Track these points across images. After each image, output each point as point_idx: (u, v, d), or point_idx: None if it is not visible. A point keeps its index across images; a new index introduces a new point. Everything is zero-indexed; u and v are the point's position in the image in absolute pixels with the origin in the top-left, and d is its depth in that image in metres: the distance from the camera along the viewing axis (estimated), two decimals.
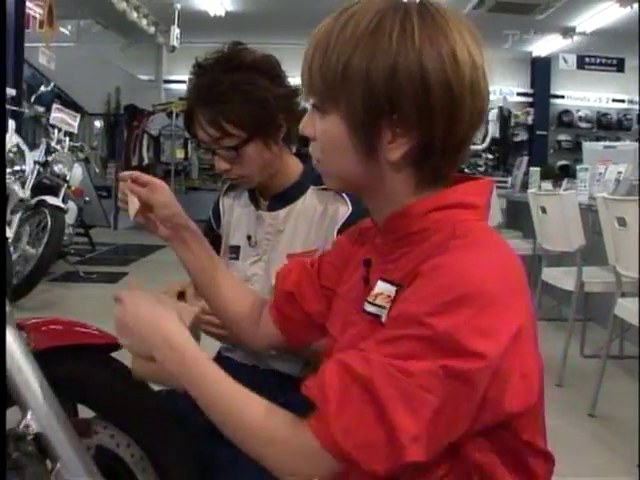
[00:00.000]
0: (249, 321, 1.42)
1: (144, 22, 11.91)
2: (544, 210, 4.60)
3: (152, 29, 12.38)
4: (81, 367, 1.46)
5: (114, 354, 1.46)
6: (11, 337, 1.27)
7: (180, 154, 11.96)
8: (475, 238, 1.02)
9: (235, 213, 1.91)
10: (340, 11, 1.07)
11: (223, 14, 11.34)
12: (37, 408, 1.28)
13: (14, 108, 6.37)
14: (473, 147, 11.66)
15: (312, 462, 0.99)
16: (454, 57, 1.02)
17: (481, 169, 11.67)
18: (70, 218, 6.11)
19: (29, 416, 1.27)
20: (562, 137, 14.12)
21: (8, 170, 5.23)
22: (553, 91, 14.26)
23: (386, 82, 1.01)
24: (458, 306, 0.93)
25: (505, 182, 9.23)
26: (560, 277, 4.43)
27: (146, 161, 12.16)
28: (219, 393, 1.07)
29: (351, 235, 1.32)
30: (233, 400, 1.06)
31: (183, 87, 12.37)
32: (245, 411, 1.04)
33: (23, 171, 5.57)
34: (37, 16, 9.93)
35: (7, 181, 5.13)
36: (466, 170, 10.59)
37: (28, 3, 9.10)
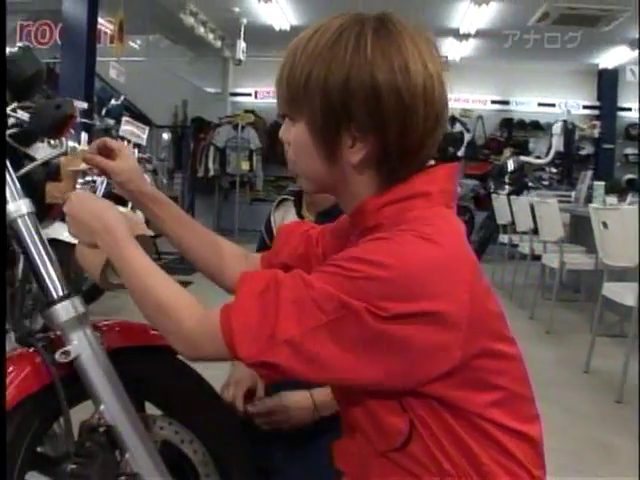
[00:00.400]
0: (226, 271, 1.48)
1: (211, 36, 12.08)
2: (605, 225, 4.57)
3: (219, 43, 12.54)
4: (150, 367, 1.53)
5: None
6: (86, 337, 1.36)
7: (245, 166, 12.09)
8: (412, 227, 1.09)
9: None
10: (310, 27, 1.18)
11: (288, 28, 11.44)
12: (109, 402, 1.35)
13: (85, 120, 6.55)
14: (537, 161, 11.57)
15: (210, 335, 1.11)
16: (406, 68, 1.10)
17: (545, 183, 11.59)
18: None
19: (101, 409, 1.35)
20: (629, 151, 13.83)
21: (80, 180, 5.39)
22: (620, 104, 14.00)
23: (341, 92, 1.11)
24: (376, 268, 1.03)
25: (569, 196, 9.15)
26: (621, 292, 4.39)
27: (212, 172, 12.30)
28: (141, 272, 1.23)
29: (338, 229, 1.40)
30: (151, 277, 1.22)
31: (249, 100, 12.54)
32: (159, 288, 1.20)
33: (94, 181, 5.73)
34: (108, 32, 10.20)
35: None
36: (530, 184, 10.49)
37: (100, 19, 9.33)
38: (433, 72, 1.13)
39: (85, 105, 6.45)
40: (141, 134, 6.72)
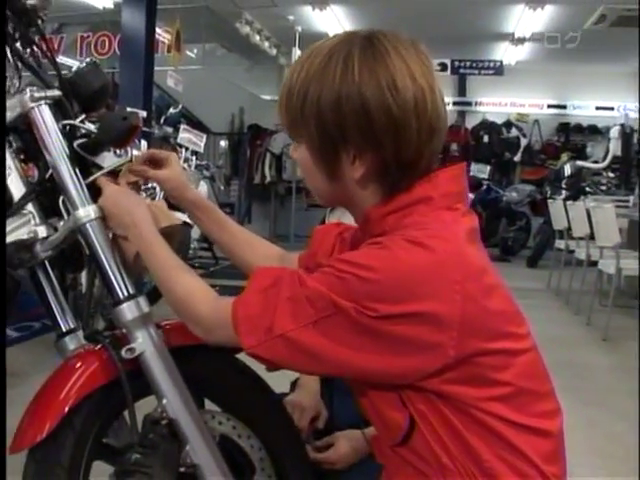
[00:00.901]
0: None
1: (266, 44, 12.20)
2: None
3: (274, 51, 12.65)
4: (209, 365, 1.58)
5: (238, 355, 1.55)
6: (150, 335, 1.43)
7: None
8: (404, 232, 1.14)
9: None
10: (303, 53, 1.23)
11: None
12: (171, 397, 1.42)
13: (144, 129, 6.66)
14: (594, 166, 11.41)
15: (222, 322, 1.21)
16: (394, 85, 1.13)
17: (603, 188, 11.42)
18: (195, 233, 6.34)
19: (164, 403, 1.42)
20: None
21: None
22: None
23: (333, 114, 1.16)
24: (365, 270, 1.09)
25: (627, 201, 9.01)
26: None
27: (268, 179, 12.35)
28: (163, 265, 1.36)
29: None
30: (171, 270, 1.35)
31: None
32: (178, 279, 1.34)
33: (154, 188, 5.85)
34: (165, 41, 10.37)
35: None
36: (588, 189, 10.37)
37: (157, 29, 9.49)
38: (423, 84, 1.16)
39: (144, 114, 6.56)
40: (198, 141, 6.83)
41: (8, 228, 1.44)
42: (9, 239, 1.44)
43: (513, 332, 1.18)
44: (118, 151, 1.49)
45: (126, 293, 1.43)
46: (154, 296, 1.56)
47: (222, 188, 10.26)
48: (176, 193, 1.58)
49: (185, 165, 6.50)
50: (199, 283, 1.34)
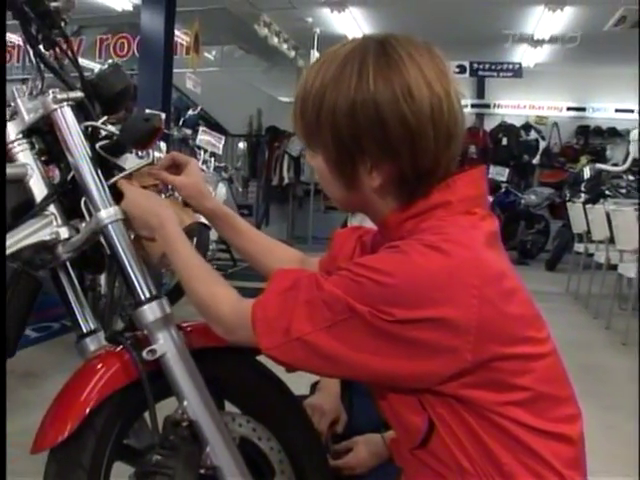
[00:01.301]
0: None
1: (284, 46, 12.20)
2: None
3: (292, 53, 12.65)
4: (230, 367, 1.59)
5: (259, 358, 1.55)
6: (171, 336, 1.43)
7: None
8: (421, 236, 1.13)
9: None
10: (317, 60, 1.22)
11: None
12: (192, 399, 1.42)
13: (164, 131, 6.68)
14: (614, 169, 11.33)
15: (242, 323, 1.21)
16: (410, 93, 1.12)
17: (623, 191, 11.35)
18: (214, 235, 6.35)
19: (185, 405, 1.41)
20: None
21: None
22: None
23: (349, 126, 1.14)
24: (381, 275, 1.08)
25: None
26: None
27: (286, 181, 12.34)
28: (188, 264, 1.38)
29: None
30: (195, 269, 1.37)
31: None
32: (202, 279, 1.36)
33: (173, 190, 5.85)
34: (184, 43, 10.40)
35: None
36: (607, 192, 10.30)
37: (176, 31, 9.52)
38: (439, 91, 1.14)
39: (163, 115, 6.58)
40: (217, 143, 6.84)
41: (30, 229, 1.44)
42: (31, 240, 1.44)
43: (532, 336, 1.17)
44: (140, 153, 1.49)
45: (148, 294, 1.43)
46: (173, 297, 1.57)
47: (240, 190, 10.25)
48: (194, 202, 1.58)
49: (204, 167, 6.52)
50: (222, 284, 1.35)
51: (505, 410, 1.14)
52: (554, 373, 1.21)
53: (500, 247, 1.22)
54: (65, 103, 1.45)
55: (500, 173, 11.86)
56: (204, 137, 6.76)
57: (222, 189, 6.85)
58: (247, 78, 12.96)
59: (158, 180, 1.56)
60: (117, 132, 1.46)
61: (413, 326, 1.07)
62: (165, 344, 1.42)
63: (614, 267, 6.66)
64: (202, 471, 1.44)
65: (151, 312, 1.42)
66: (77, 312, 1.58)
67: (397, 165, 1.16)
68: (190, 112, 8.46)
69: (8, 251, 1.40)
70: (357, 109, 1.14)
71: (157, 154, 1.53)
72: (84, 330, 1.57)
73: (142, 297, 1.43)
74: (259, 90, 13.41)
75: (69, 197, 1.49)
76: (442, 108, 1.15)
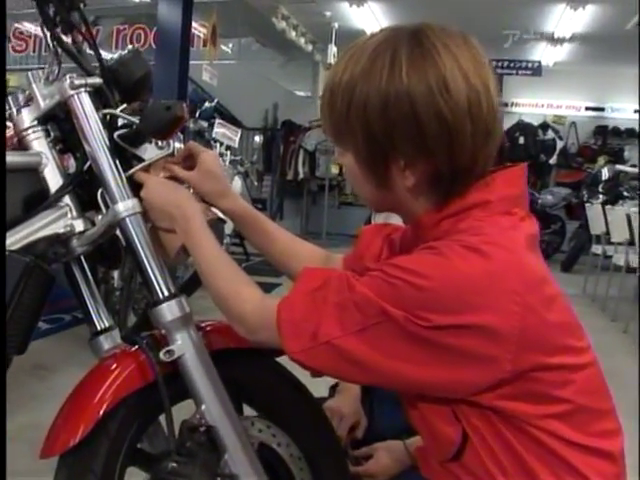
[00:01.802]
0: None
1: (302, 40, 12.17)
2: None
3: (310, 47, 12.63)
4: (249, 369, 1.53)
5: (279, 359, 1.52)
6: (190, 337, 1.37)
7: (335, 169, 12.00)
8: (460, 237, 1.07)
9: None
10: (345, 51, 1.15)
11: None
12: (210, 403, 1.36)
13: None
14: (633, 170, 11.24)
15: (266, 322, 1.16)
16: (446, 87, 1.05)
17: None
18: (228, 228, 6.30)
19: (202, 409, 1.36)
20: None
21: None
22: None
23: (381, 123, 1.08)
24: (418, 278, 1.02)
25: None
26: None
27: (301, 175, 12.29)
28: (211, 260, 1.31)
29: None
30: (219, 265, 1.31)
31: None
32: (225, 275, 1.29)
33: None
34: (201, 35, 10.38)
35: None
36: (625, 194, 10.20)
37: (193, 23, 9.49)
38: (477, 84, 1.08)
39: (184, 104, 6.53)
40: (233, 136, 6.79)
41: (44, 221, 1.39)
42: (45, 233, 1.39)
43: (573, 345, 1.12)
44: (160, 143, 1.43)
45: (167, 292, 1.37)
46: (187, 290, 1.51)
47: (255, 184, 10.19)
48: (210, 200, 1.50)
49: (220, 160, 6.43)
50: (247, 282, 1.29)
51: (544, 423, 1.08)
52: (595, 385, 1.16)
53: (539, 250, 1.16)
54: (83, 89, 1.40)
55: None
56: (220, 130, 6.70)
57: (238, 183, 6.76)
58: (264, 72, 12.92)
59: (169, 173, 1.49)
60: (136, 121, 1.40)
61: (450, 333, 1.02)
62: (183, 345, 1.36)
63: (633, 270, 6.59)
64: (219, 479, 1.39)
65: (169, 311, 1.36)
66: (91, 308, 1.52)
67: (432, 163, 1.10)
68: (206, 104, 8.40)
69: (20, 244, 1.35)
70: (389, 104, 1.07)
71: (177, 145, 1.46)
72: (98, 327, 1.51)
73: (160, 295, 1.37)
74: (275, 84, 13.38)
75: (85, 188, 1.44)
76: (480, 102, 1.08)
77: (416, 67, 1.07)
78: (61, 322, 4.60)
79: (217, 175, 1.49)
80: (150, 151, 1.43)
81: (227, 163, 6.53)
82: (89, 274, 1.52)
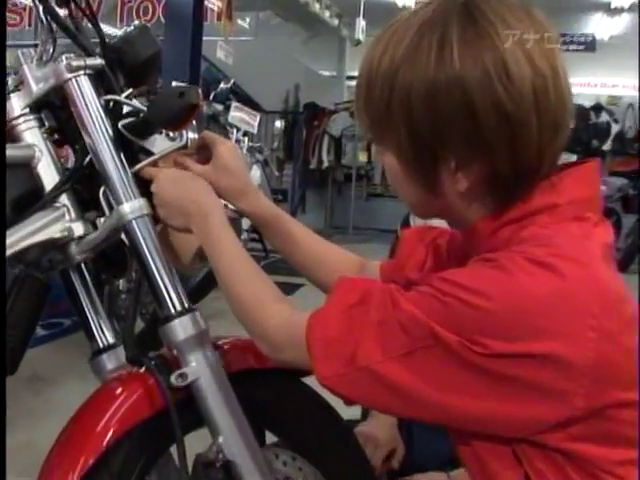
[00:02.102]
0: None
1: (327, 14, 12.18)
2: None
3: (335, 21, 12.64)
4: (273, 392, 1.50)
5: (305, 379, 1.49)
6: (206, 358, 1.32)
7: (363, 157, 11.99)
8: (524, 249, 1.00)
9: None
10: (384, 30, 1.08)
11: (412, 4, 11.39)
12: (229, 434, 1.32)
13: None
14: None
15: (294, 340, 1.11)
16: (506, 72, 0.99)
17: None
18: (245, 223, 6.27)
19: (220, 442, 1.32)
20: None
21: None
22: None
23: (427, 113, 1.02)
24: (477, 297, 0.96)
25: None
26: None
27: (326, 164, 12.29)
28: (232, 264, 1.27)
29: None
30: (242, 271, 1.26)
31: None
32: (249, 283, 1.24)
33: None
34: (215, 8, 10.37)
35: None
36: None
37: None
38: (544, 68, 1.01)
39: (199, 89, 6.47)
40: (252, 121, 6.75)
41: (38, 224, 1.35)
42: (38, 238, 1.34)
43: None
44: (171, 134, 1.38)
45: (179, 306, 1.32)
46: (197, 295, 1.47)
47: (276, 174, 10.14)
48: (229, 199, 1.45)
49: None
50: (274, 291, 1.24)
51: (623, 471, 1.02)
52: None
53: (614, 261, 1.09)
54: (82, 72, 1.35)
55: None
56: (237, 114, 6.64)
57: (256, 172, 6.71)
58: (284, 49, 12.94)
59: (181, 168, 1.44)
60: (144, 108, 1.35)
61: (512, 362, 0.96)
62: (198, 367, 1.31)
63: None
64: None
65: (182, 329, 1.31)
66: (92, 323, 1.47)
67: (490, 163, 1.03)
68: (222, 85, 8.34)
69: (9, 252, 1.31)
70: (438, 93, 1.01)
71: (192, 135, 1.41)
72: (100, 345, 1.47)
73: (172, 310, 1.32)
74: (297, 62, 13.38)
75: (85, 185, 1.40)
76: (548, 91, 1.01)
77: (470, 49, 1.00)
78: (60, 327, 4.59)
79: (236, 170, 1.44)
80: (160, 143, 1.39)
81: (244, 151, 6.49)
82: (90, 283, 1.48)
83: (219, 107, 7.11)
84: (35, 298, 1.36)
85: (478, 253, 1.07)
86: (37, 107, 1.39)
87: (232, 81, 8.51)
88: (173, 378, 1.29)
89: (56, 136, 1.43)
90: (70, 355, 4.16)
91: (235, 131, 6.55)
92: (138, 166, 1.36)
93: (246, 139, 6.62)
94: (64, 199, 1.37)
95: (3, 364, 1.33)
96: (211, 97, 7.74)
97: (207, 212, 1.31)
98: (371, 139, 1.15)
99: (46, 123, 1.40)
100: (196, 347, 1.31)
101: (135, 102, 1.38)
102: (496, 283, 0.97)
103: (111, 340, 1.48)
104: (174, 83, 6.05)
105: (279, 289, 1.25)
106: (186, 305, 1.33)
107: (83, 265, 1.46)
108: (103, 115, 1.36)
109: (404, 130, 1.05)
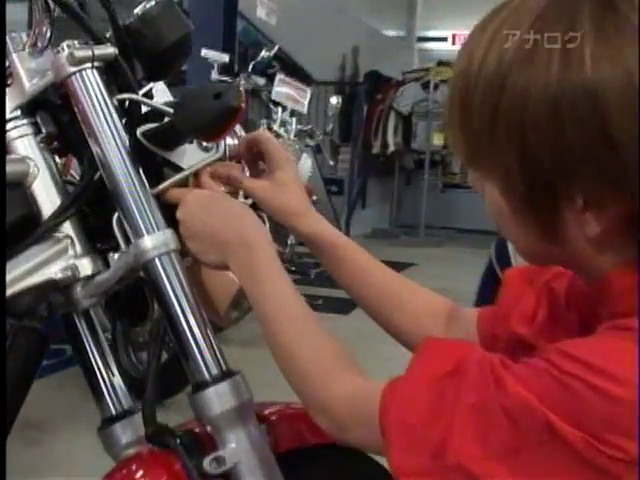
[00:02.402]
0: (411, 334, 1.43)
1: None
2: None
3: None
4: (333, 472, 1.50)
5: None
6: (249, 437, 1.29)
7: (438, 139, 11.95)
8: None
9: None
10: (488, 16, 1.04)
11: None
12: None
13: (225, 78, 6.50)
14: None
15: (365, 418, 1.08)
16: None
17: None
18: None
19: None
20: None
21: None
22: None
23: (547, 136, 0.95)
24: (609, 382, 0.91)
25: None
26: None
27: (392, 148, 12.32)
28: (284, 314, 1.23)
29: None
30: (298, 324, 1.23)
31: (444, 47, 12.73)
32: (307, 342, 1.21)
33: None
34: None
35: None
36: None
37: None
38: None
39: (225, 58, 6.46)
40: (301, 98, 6.74)
41: (33, 262, 1.33)
42: (34, 280, 1.32)
43: None
44: (204, 143, 1.36)
45: (215, 370, 1.29)
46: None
47: (332, 163, 10.07)
48: (278, 217, 1.43)
49: (282, 131, 6.32)
50: (339, 353, 1.21)
51: None
52: None
53: None
54: (88, 64, 1.33)
55: None
56: (283, 89, 6.60)
57: (307, 162, 6.63)
58: (340, 3, 12.93)
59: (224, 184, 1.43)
60: (170, 110, 1.32)
61: None
62: (239, 449, 1.28)
63: None
64: None
65: (219, 400, 1.27)
66: (102, 382, 1.46)
67: (630, 200, 0.97)
68: (263, 53, 8.33)
69: None
70: (562, 107, 0.94)
71: (230, 141, 1.38)
72: (113, 411, 1.45)
73: (206, 375, 1.28)
74: (356, 20, 13.42)
75: (93, 209, 1.39)
76: None
77: (607, 48, 0.93)
78: (62, 357, 4.59)
79: (296, 186, 1.44)
80: (190, 155, 1.36)
81: (292, 136, 6.44)
82: (100, 333, 1.47)
83: (260, 80, 7.11)
84: (30, 353, 1.36)
85: (611, 313, 1.03)
86: (31, 109, 1.38)
87: (276, 47, 8.53)
88: (207, 463, 1.26)
89: (55, 144, 1.41)
90: (72, 391, 4.19)
91: (280, 110, 6.52)
92: (162, 186, 1.34)
93: (294, 120, 6.57)
94: (67, 228, 1.36)
95: (3, 372, 1.32)
96: (250, 67, 7.74)
97: (251, 244, 1.28)
98: (466, 162, 1.10)
99: (43, 129, 1.39)
100: (236, 423, 1.28)
101: (157, 102, 1.35)
102: (635, 363, 0.92)
103: (126, 405, 1.46)
104: (203, 51, 6.06)
105: (350, 354, 1.22)
106: (224, 368, 1.30)
107: (91, 310, 1.44)
108: (117, 119, 1.34)
109: (514, 155, 0.99)
